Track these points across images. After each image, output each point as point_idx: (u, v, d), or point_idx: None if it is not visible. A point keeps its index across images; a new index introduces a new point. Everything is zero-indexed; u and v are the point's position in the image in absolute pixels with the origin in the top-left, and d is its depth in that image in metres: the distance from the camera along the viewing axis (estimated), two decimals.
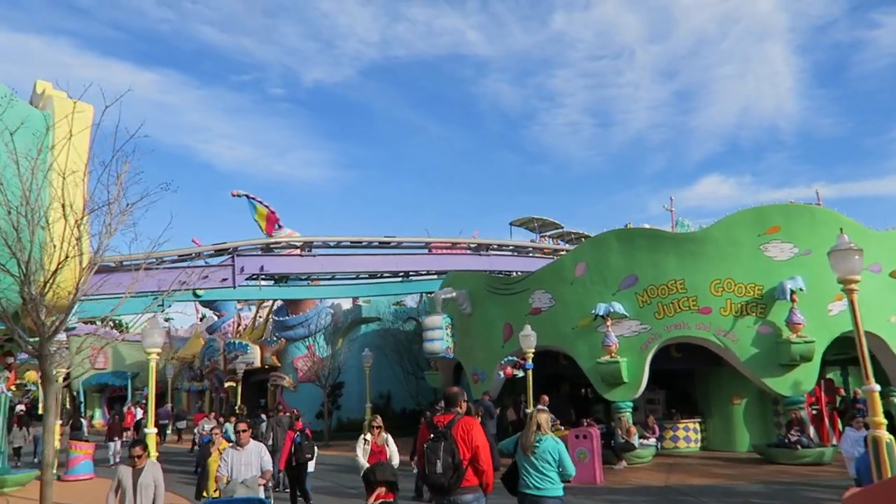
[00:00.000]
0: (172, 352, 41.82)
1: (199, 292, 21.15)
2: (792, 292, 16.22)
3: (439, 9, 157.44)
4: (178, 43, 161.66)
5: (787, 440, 15.92)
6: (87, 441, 18.95)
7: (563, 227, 24.97)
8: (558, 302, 18.68)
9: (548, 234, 25.11)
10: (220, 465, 7.71)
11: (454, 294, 20.77)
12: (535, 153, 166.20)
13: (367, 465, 8.83)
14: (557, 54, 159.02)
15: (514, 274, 20.79)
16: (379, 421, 9.88)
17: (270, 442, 13.56)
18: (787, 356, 16.16)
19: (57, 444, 18.54)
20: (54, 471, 18.53)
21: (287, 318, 29.87)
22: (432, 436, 5.59)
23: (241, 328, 34.33)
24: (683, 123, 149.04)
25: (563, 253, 20.42)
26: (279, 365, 29.85)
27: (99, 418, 41.80)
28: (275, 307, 32.04)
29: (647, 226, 18.25)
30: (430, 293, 26.59)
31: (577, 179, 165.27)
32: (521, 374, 16.55)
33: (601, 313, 17.34)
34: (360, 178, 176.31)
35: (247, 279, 15.70)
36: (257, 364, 30.34)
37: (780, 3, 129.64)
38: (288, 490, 12.25)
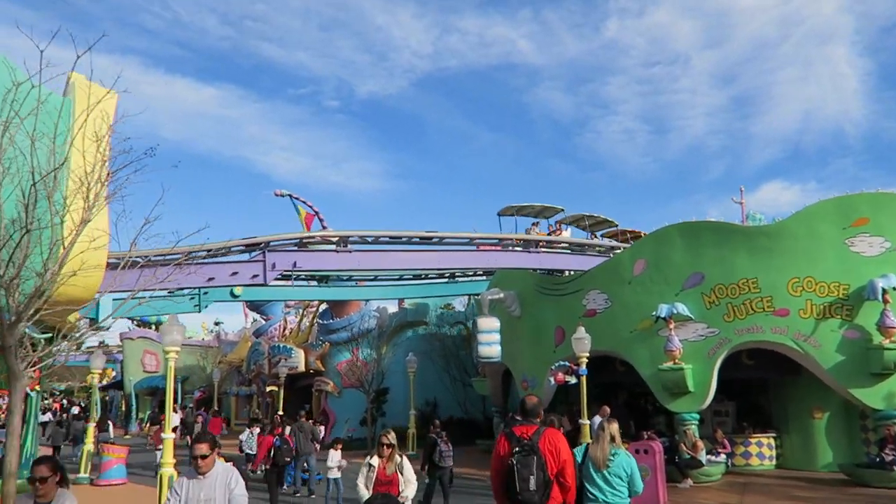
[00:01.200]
0: (221, 355, 41.77)
1: (236, 292, 20.47)
2: (884, 292, 14.32)
3: (491, 19, 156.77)
4: (238, 59, 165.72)
5: (880, 459, 13.99)
6: (114, 443, 18.39)
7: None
8: (615, 303, 17.16)
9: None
10: (167, 501, 5.28)
11: (502, 295, 19.46)
12: (589, 161, 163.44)
13: (367, 494, 6.57)
14: (611, 61, 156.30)
15: (567, 273, 19.34)
16: (391, 438, 7.05)
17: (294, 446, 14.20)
18: (879, 364, 14.26)
19: (90, 447, 18.07)
20: (86, 474, 18.13)
21: (331, 321, 29.06)
22: (518, 449, 5.15)
23: (286, 332, 33.74)
24: (743, 129, 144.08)
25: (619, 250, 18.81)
26: (323, 369, 29.04)
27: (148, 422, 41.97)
28: (320, 310, 31.32)
29: (712, 219, 16.51)
30: (478, 295, 25.35)
31: (632, 187, 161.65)
32: (573, 380, 15.12)
33: (663, 315, 15.75)
34: (413, 187, 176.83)
35: (279, 276, 14.73)
36: (301, 368, 29.59)
37: (844, 4, 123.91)
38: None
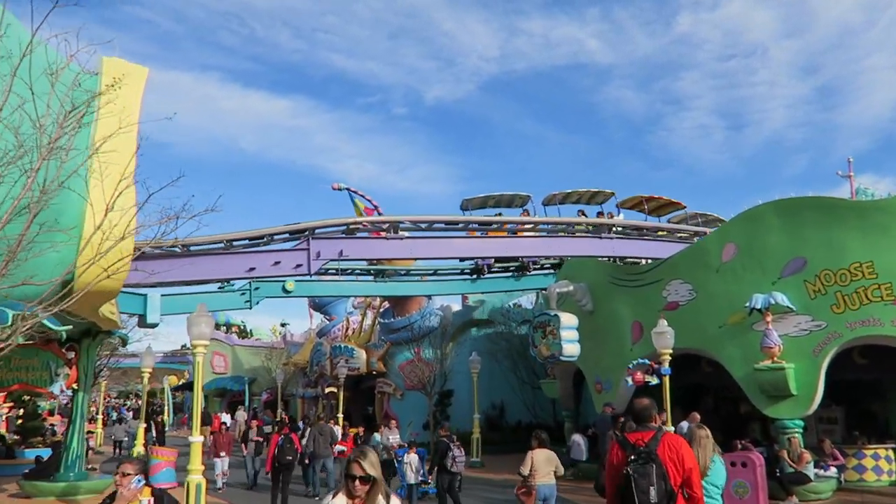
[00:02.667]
0: (287, 356, 41.39)
1: (288, 287, 19.50)
2: None
3: (557, 20, 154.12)
4: (309, 70, 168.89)
5: None
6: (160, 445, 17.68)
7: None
8: (700, 294, 15.18)
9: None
10: None
11: (571, 287, 17.71)
12: (661, 158, 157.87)
13: None
14: (683, 57, 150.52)
15: (644, 262, 17.40)
16: (366, 466, 3.58)
17: (311, 450, 14.84)
18: None
19: (140, 449, 17.43)
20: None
21: (392, 320, 27.92)
22: (633, 458, 4.69)
23: (349, 332, 32.84)
24: (827, 121, 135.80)
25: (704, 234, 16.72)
26: (385, 371, 27.93)
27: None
28: (382, 309, 30.25)
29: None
30: (546, 290, 23.66)
31: (707, 184, 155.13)
32: (654, 381, 13.26)
33: (758, 307, 13.68)
34: (482, 190, 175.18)
35: (324, 265, 13.55)
36: (363, 369, 28.57)
37: None
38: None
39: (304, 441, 14.78)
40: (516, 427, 25.19)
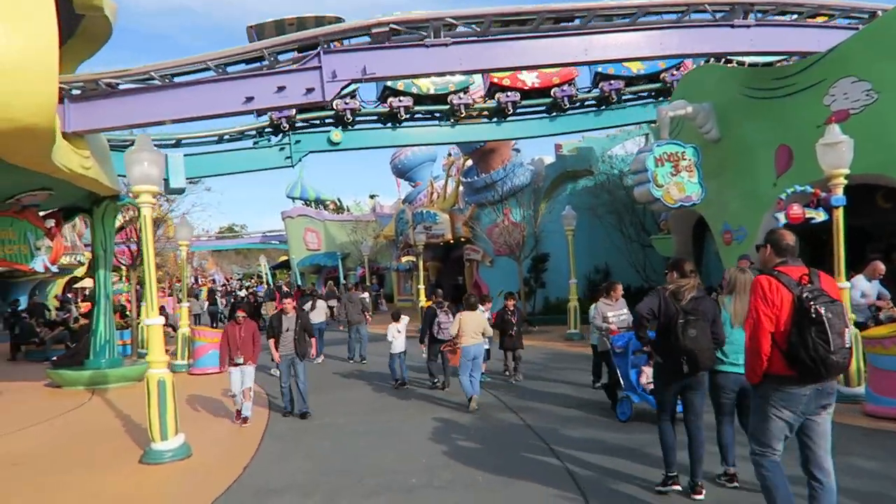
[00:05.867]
0: (378, 229, 39.35)
1: (333, 138, 16.33)
2: None
3: None
4: None
5: None
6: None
7: None
8: (884, 96, 10.47)
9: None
10: None
11: (689, 109, 13.32)
12: None
13: None
14: None
15: (791, 62, 12.63)
16: None
17: (344, 318, 15.23)
18: None
19: (185, 331, 15.49)
20: (183, 361, 15.74)
21: (476, 178, 24.48)
22: (811, 295, 3.80)
23: (434, 196, 29.81)
24: None
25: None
26: (472, 236, 24.88)
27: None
28: (465, 167, 26.79)
29: None
30: (655, 123, 19.22)
31: None
32: (820, 217, 9.09)
33: None
34: None
35: (344, 87, 10.07)
36: (448, 236, 25.68)
37: None
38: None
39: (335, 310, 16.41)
40: (625, 293, 21.59)
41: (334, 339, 17.44)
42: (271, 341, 9.25)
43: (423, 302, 22.92)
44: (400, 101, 16.55)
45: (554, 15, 10.50)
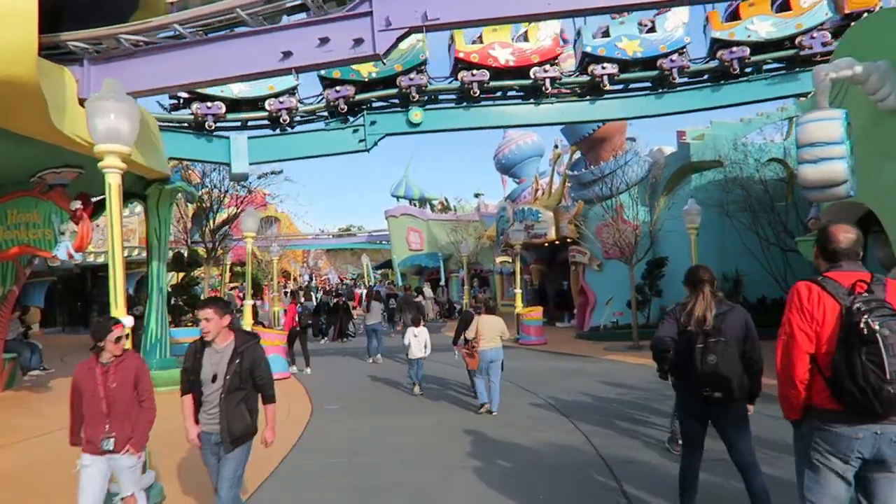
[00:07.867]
0: (483, 229, 37.37)
1: (413, 118, 14.34)
2: None
3: None
4: None
5: None
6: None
7: None
8: None
9: None
10: None
11: (858, 69, 10.19)
12: None
13: None
14: None
15: None
16: None
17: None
18: None
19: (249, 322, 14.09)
20: None
21: (583, 171, 21.86)
22: (865, 307, 2.99)
23: (539, 193, 27.36)
24: None
25: None
26: (579, 236, 22.25)
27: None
28: (573, 160, 24.18)
29: None
30: (806, 97, 15.88)
31: None
32: None
33: None
34: None
35: (401, 38, 8.02)
36: (551, 235, 23.17)
37: None
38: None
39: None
40: (758, 304, 18.25)
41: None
42: (186, 398, 4.60)
43: (519, 308, 20.64)
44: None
45: None
